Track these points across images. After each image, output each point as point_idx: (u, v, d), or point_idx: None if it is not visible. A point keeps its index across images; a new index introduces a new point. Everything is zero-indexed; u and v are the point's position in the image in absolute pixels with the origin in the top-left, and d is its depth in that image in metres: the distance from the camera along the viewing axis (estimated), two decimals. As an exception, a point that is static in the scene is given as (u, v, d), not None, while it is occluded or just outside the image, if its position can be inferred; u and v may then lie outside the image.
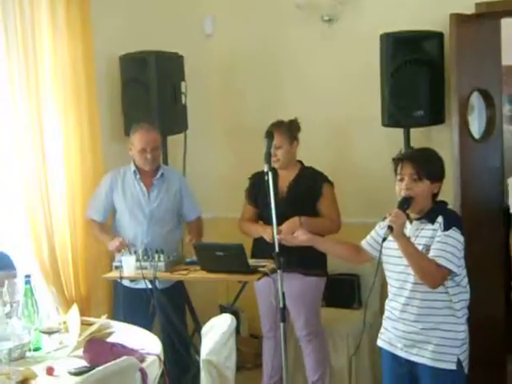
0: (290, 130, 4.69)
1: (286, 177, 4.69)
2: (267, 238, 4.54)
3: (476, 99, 4.84)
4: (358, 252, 3.69)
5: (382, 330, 3.56)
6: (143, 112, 5.06)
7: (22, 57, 4.54)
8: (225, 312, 3.83)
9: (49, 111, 4.71)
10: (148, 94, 5.13)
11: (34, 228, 4.63)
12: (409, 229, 3.40)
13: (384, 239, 3.32)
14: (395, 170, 3.46)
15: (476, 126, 4.88)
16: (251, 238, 4.79)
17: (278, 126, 4.67)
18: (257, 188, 4.81)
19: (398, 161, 3.46)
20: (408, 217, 3.37)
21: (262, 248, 4.60)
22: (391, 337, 3.48)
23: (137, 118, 4.92)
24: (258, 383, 4.98)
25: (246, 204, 4.93)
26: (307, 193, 4.70)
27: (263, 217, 4.78)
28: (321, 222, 4.69)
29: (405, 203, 3.34)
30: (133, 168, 4.74)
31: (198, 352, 4.66)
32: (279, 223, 4.19)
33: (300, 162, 4.84)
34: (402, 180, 3.40)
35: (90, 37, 4.90)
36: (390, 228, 3.25)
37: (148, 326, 3.94)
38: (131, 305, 4.52)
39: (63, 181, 4.78)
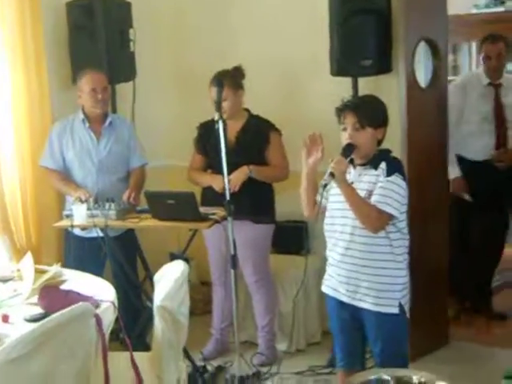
0: (234, 80, 4.67)
1: (234, 126, 4.70)
2: (216, 187, 4.59)
3: (422, 49, 4.90)
4: (313, 206, 3.65)
5: (325, 276, 3.64)
6: (91, 60, 5.00)
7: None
8: (175, 260, 3.87)
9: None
10: (95, 42, 5.09)
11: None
12: (352, 174, 3.47)
13: (325, 185, 3.40)
14: (338, 120, 3.52)
15: (422, 75, 4.95)
16: (200, 187, 4.83)
17: (221, 78, 4.62)
18: (205, 137, 4.83)
19: (340, 110, 3.52)
20: (352, 162, 3.45)
21: (210, 197, 4.66)
22: (334, 282, 3.55)
23: (84, 66, 4.86)
24: (208, 328, 5.08)
25: (194, 153, 4.94)
26: (255, 141, 4.73)
27: (212, 166, 4.82)
28: (269, 170, 4.75)
29: (347, 150, 3.40)
30: (81, 116, 4.72)
31: (149, 298, 4.74)
32: (229, 172, 4.25)
33: (247, 110, 4.86)
34: (345, 129, 3.47)
35: (36, -17, 4.83)
36: (332, 174, 3.32)
37: (99, 274, 3.96)
38: (82, 253, 4.54)
39: (11, 130, 4.75)
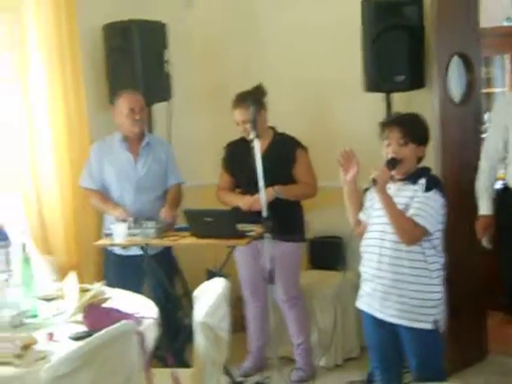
0: (257, 99, 4.63)
1: (260, 145, 4.73)
2: (243, 206, 4.64)
3: (455, 63, 4.91)
4: (358, 224, 3.70)
5: (360, 292, 3.67)
6: (127, 81, 5.09)
7: (7, 27, 4.59)
8: (212, 276, 3.92)
9: (35, 81, 4.76)
10: (132, 63, 5.17)
11: (25, 198, 4.71)
12: (392, 189, 3.50)
13: (366, 189, 3.45)
14: (381, 135, 3.57)
15: (455, 90, 4.96)
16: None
17: (243, 99, 4.67)
18: (233, 157, 4.89)
19: (385, 125, 3.57)
20: (391, 177, 3.49)
21: (247, 214, 4.70)
22: (369, 298, 3.58)
23: (121, 87, 4.95)
24: (246, 344, 5.11)
25: (222, 173, 4.99)
26: (281, 160, 4.75)
27: (240, 185, 4.87)
28: (296, 188, 4.77)
29: (391, 164, 3.46)
30: (119, 137, 4.79)
31: (187, 315, 4.80)
32: (256, 191, 4.30)
33: (272, 128, 4.89)
34: (389, 144, 3.52)
35: (73, 6, 4.92)
36: (374, 181, 3.37)
37: (138, 292, 4.02)
38: (122, 271, 4.62)
39: (51, 150, 4.84)
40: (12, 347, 2.89)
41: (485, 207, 4.55)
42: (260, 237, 4.30)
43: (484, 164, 4.56)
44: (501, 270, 4.67)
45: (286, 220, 4.64)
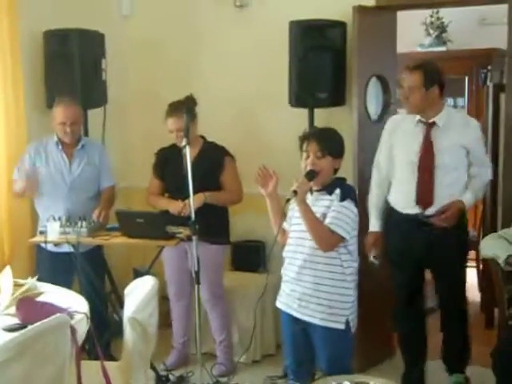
0: (188, 109, 4.53)
1: (191, 153, 4.73)
2: (173, 211, 4.65)
3: (373, 84, 5.04)
4: (282, 233, 3.74)
5: (280, 292, 3.74)
6: (65, 86, 5.06)
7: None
8: (139, 275, 3.91)
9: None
10: (70, 69, 5.14)
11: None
12: (310, 199, 3.57)
13: (288, 200, 3.52)
14: (301, 147, 3.64)
15: (373, 108, 5.08)
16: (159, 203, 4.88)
17: (176, 109, 4.67)
18: (163, 163, 4.90)
19: (303, 139, 3.64)
20: (310, 189, 3.57)
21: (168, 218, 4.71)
22: (288, 298, 3.65)
23: (59, 91, 4.92)
24: (170, 341, 5.12)
25: (152, 178, 4.98)
26: (210, 167, 4.77)
27: (169, 190, 4.88)
28: (223, 195, 4.80)
29: (310, 175, 3.53)
30: (55, 139, 4.75)
31: (115, 311, 4.79)
32: (186, 197, 4.33)
33: (202, 136, 4.91)
34: (307, 157, 3.59)
35: (15, 12, 4.88)
36: (295, 192, 3.44)
37: (69, 288, 3.99)
38: (54, 267, 4.56)
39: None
40: None
41: (372, 224, 4.47)
42: (188, 239, 4.32)
43: (375, 177, 4.49)
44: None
45: (211, 223, 4.66)
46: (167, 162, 4.87)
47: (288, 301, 3.65)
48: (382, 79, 5.04)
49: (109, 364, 3.45)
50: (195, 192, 4.33)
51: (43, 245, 4.52)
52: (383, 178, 4.46)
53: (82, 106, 4.91)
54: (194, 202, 4.31)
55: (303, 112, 5.04)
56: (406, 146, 4.32)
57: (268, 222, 3.77)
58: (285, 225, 3.72)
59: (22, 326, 3.03)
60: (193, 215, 4.22)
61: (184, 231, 4.38)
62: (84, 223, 4.43)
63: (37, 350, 2.82)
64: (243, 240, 5.33)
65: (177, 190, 4.65)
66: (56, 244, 4.51)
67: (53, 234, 4.37)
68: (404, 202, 4.32)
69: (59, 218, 4.45)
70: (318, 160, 3.56)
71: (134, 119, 5.93)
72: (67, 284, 4.20)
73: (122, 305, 4.16)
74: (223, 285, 5.00)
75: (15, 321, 3.18)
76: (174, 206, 4.65)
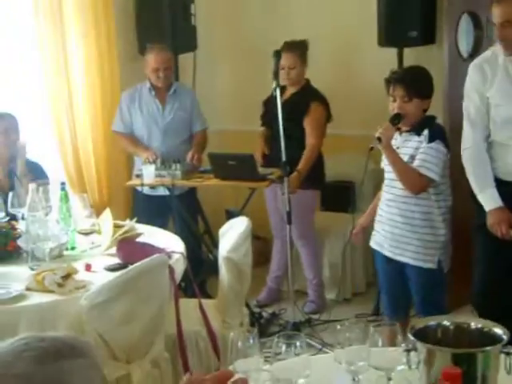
0: (302, 50, 4.66)
1: (289, 93, 4.73)
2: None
3: (465, 21, 4.84)
4: None
5: (373, 232, 3.69)
6: (156, 33, 5.08)
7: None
8: (232, 217, 3.95)
9: (71, 31, 4.76)
10: (160, 16, 5.15)
11: (61, 141, 4.75)
12: (398, 140, 3.48)
13: (371, 148, 3.43)
14: (387, 91, 3.53)
15: (464, 46, 4.90)
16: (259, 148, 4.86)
17: (292, 46, 4.64)
18: (267, 111, 4.85)
19: (389, 82, 3.53)
20: (399, 129, 3.47)
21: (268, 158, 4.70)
22: (380, 238, 3.61)
23: (150, 38, 4.94)
24: (262, 280, 5.16)
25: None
26: (295, 111, 4.67)
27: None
28: (307, 160, 4.66)
29: (395, 119, 3.42)
30: (148, 85, 4.78)
31: (210, 251, 4.85)
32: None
33: (307, 80, 4.83)
34: (394, 100, 3.48)
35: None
36: (379, 139, 3.36)
37: (164, 229, 4.06)
38: (149, 210, 4.63)
39: (85, 97, 4.85)
40: (54, 276, 2.92)
41: (490, 200, 3.52)
42: (279, 180, 4.31)
43: (472, 136, 3.59)
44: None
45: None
46: (270, 110, 4.80)
47: (381, 241, 3.61)
48: (474, 16, 4.83)
49: (206, 302, 3.51)
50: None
51: (139, 188, 4.59)
52: (480, 135, 3.61)
53: (173, 52, 4.91)
54: (291, 184, 4.30)
55: (392, 52, 4.90)
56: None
57: (357, 163, 3.71)
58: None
59: (123, 266, 3.11)
60: (283, 156, 4.18)
61: (275, 172, 4.36)
62: (178, 166, 4.47)
63: (137, 288, 2.89)
64: (333, 181, 5.28)
65: (272, 136, 4.60)
66: (151, 187, 4.57)
67: (148, 177, 4.43)
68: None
69: (154, 162, 4.50)
70: (404, 104, 3.43)
71: (223, 63, 5.90)
72: (163, 225, 4.27)
73: (215, 245, 4.22)
74: (314, 226, 4.98)
75: (116, 261, 3.26)
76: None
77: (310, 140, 4.70)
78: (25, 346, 1.12)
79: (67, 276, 2.96)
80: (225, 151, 4.74)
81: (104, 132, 4.90)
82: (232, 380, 1.35)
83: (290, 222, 4.22)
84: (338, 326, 2.06)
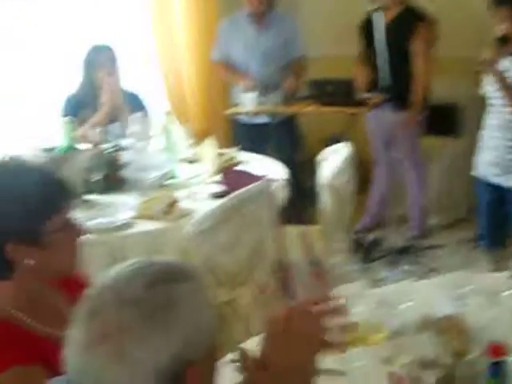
0: None
1: (387, 17, 4.60)
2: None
3: None
4: None
5: (476, 158, 3.62)
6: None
7: None
8: (333, 143, 3.92)
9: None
10: None
11: (162, 71, 4.81)
12: (506, 64, 3.35)
13: (478, 71, 3.33)
14: (492, 12, 3.39)
15: None
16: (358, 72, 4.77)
17: None
18: (366, 32, 4.74)
19: (493, 3, 3.39)
20: (507, 51, 3.34)
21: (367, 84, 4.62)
22: (484, 163, 3.54)
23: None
24: (364, 205, 5.14)
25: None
26: (402, 33, 4.54)
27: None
28: (418, 89, 4.52)
29: (502, 40, 3.31)
30: (245, 12, 4.75)
31: (311, 177, 4.84)
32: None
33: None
34: (500, 22, 3.34)
35: None
36: (484, 62, 3.24)
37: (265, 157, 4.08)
38: (250, 138, 4.66)
39: (185, 26, 4.90)
40: (160, 205, 2.99)
41: None
42: (380, 105, 4.24)
43: None
44: None
45: (405, 88, 4.53)
46: (368, 31, 4.69)
47: (484, 166, 3.54)
48: None
49: (308, 228, 3.54)
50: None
51: (239, 116, 4.61)
52: None
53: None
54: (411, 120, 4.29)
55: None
56: None
57: (463, 86, 3.61)
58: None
59: (226, 194, 3.15)
60: (385, 81, 4.10)
61: (376, 97, 4.29)
62: (277, 93, 4.46)
63: (241, 215, 2.94)
64: (437, 104, 5.13)
65: (373, 60, 4.51)
66: (251, 115, 4.58)
67: (248, 105, 4.44)
68: None
69: (253, 90, 4.49)
70: (510, 25, 3.30)
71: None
72: (263, 153, 4.28)
73: (316, 172, 4.22)
74: (420, 149, 4.88)
75: (219, 189, 3.30)
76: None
77: (418, 64, 4.55)
78: (137, 270, 1.16)
79: (172, 204, 3.03)
80: (324, 77, 4.68)
81: (203, 61, 4.92)
82: (331, 306, 1.36)
83: (390, 147, 4.17)
84: (441, 251, 2.04)
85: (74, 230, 1.72)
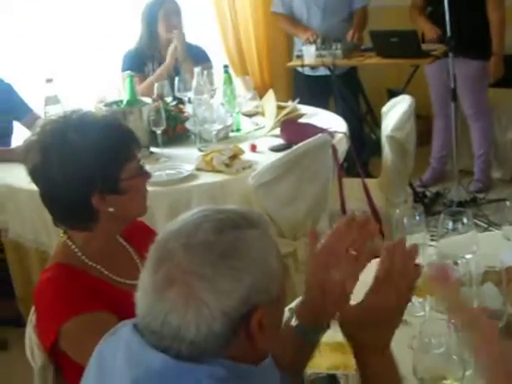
0: None
1: None
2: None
3: None
4: None
5: None
6: None
7: None
8: (394, 96, 3.87)
9: None
10: None
11: (222, 24, 4.82)
12: None
13: None
14: None
15: None
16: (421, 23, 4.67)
17: None
18: None
19: None
20: None
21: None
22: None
23: None
24: (425, 159, 5.08)
25: None
26: None
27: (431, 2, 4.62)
28: (498, 39, 4.45)
29: None
30: (306, -37, 4.69)
31: (373, 130, 4.83)
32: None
33: None
34: None
35: None
36: None
37: (326, 109, 4.06)
38: (311, 91, 4.65)
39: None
40: (222, 157, 3.03)
41: None
42: (445, 55, 4.16)
43: None
44: None
45: (472, 37, 4.43)
46: None
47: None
48: None
49: (369, 181, 3.54)
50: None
51: (300, 69, 4.59)
52: None
53: None
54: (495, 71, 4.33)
55: None
56: None
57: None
58: None
59: (287, 146, 3.17)
60: (449, 30, 4.02)
61: (440, 48, 4.22)
62: (339, 45, 4.42)
63: (302, 168, 2.96)
64: (507, 53, 4.98)
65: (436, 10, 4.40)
66: (312, 67, 4.56)
67: (309, 57, 4.41)
68: None
69: (314, 42, 4.46)
70: None
71: None
72: (324, 106, 4.27)
73: (378, 124, 4.19)
74: (486, 100, 4.79)
75: (280, 141, 3.32)
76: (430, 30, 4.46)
77: (492, 12, 4.46)
78: (204, 217, 1.19)
79: (234, 156, 3.06)
80: (386, 28, 4.60)
81: (264, 13, 4.91)
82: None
83: (455, 100, 4.11)
84: (508, 203, 2.03)
85: (144, 176, 1.81)
